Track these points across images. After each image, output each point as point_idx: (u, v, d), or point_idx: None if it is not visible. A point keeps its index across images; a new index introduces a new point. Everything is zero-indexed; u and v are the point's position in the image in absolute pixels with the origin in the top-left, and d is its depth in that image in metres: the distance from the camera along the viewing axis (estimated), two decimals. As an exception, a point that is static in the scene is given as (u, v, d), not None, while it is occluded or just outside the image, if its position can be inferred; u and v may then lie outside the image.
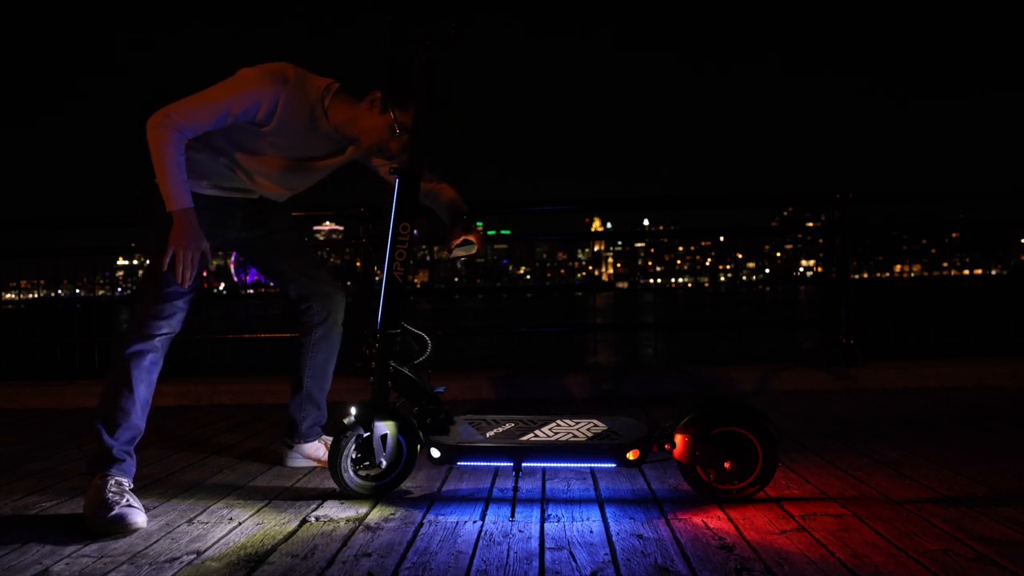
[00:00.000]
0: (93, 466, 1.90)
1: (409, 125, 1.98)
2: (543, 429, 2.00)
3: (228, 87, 1.92)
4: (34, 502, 2.03)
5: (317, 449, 2.35)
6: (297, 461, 2.36)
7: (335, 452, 1.95)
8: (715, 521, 1.73)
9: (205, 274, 2.05)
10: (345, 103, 2.03)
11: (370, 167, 2.28)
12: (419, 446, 2.00)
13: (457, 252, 2.14)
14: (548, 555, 1.53)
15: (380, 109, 1.99)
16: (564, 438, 1.92)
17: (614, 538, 1.63)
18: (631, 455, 1.87)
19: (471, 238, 2.13)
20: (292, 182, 2.18)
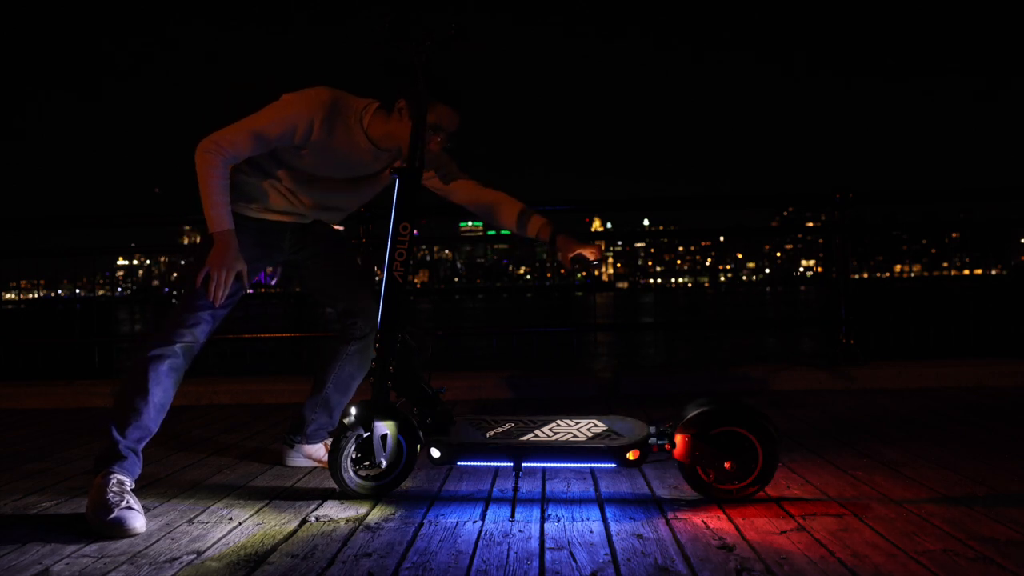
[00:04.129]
0: (98, 463, 1.91)
1: (438, 124, 2.02)
2: (543, 429, 2.00)
3: (267, 112, 1.98)
4: (34, 502, 2.03)
5: (318, 450, 2.35)
6: (297, 460, 2.37)
7: (335, 452, 1.95)
8: (715, 521, 1.73)
9: (239, 294, 2.08)
10: (381, 119, 2.07)
11: (435, 191, 2.28)
12: (419, 446, 2.00)
13: (575, 265, 2.08)
14: (548, 555, 1.53)
15: (408, 116, 2.01)
16: (564, 438, 1.92)
17: (614, 538, 1.63)
18: (631, 455, 1.87)
19: (586, 252, 2.07)
20: (340, 202, 2.22)
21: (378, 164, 2.17)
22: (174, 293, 2.24)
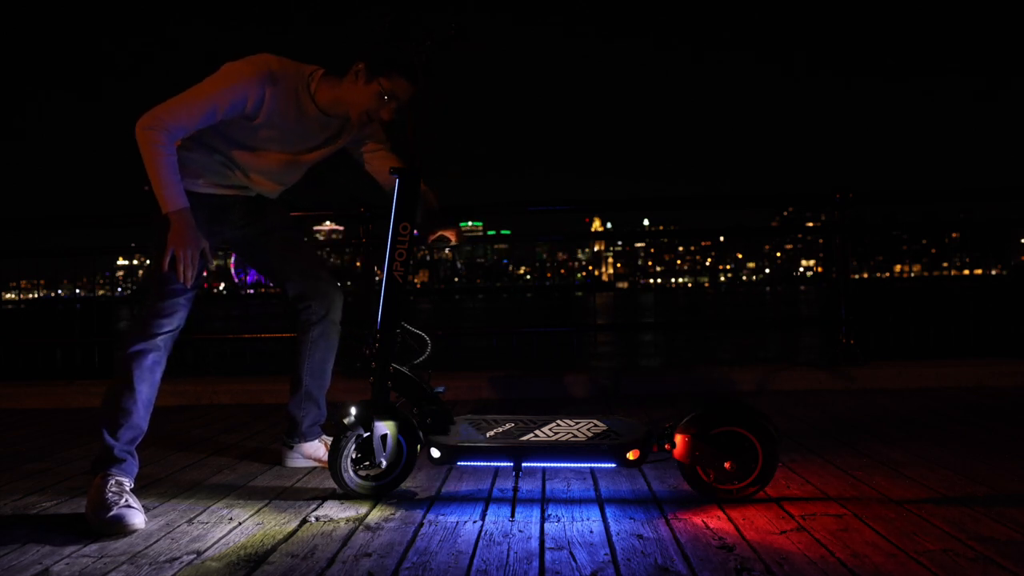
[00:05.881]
0: (95, 466, 1.91)
1: (393, 92, 2.00)
2: (543, 429, 2.00)
3: (213, 83, 1.93)
4: (34, 502, 2.03)
5: (317, 449, 2.35)
6: (297, 461, 2.36)
7: (335, 452, 1.95)
8: (715, 521, 1.73)
9: (205, 273, 2.06)
10: (330, 83, 2.05)
11: (357, 159, 2.28)
12: (419, 446, 2.00)
13: (435, 244, 2.24)
14: (548, 555, 1.53)
15: (365, 79, 2.01)
16: (564, 438, 1.92)
17: (614, 538, 1.63)
18: (631, 455, 1.87)
19: (447, 234, 2.23)
20: (285, 176, 2.19)
21: (324, 134, 2.14)
22: (150, 285, 2.20)
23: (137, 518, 1.74)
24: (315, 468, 2.34)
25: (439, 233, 2.23)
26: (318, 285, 2.27)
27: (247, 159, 2.08)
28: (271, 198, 2.27)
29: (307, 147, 2.14)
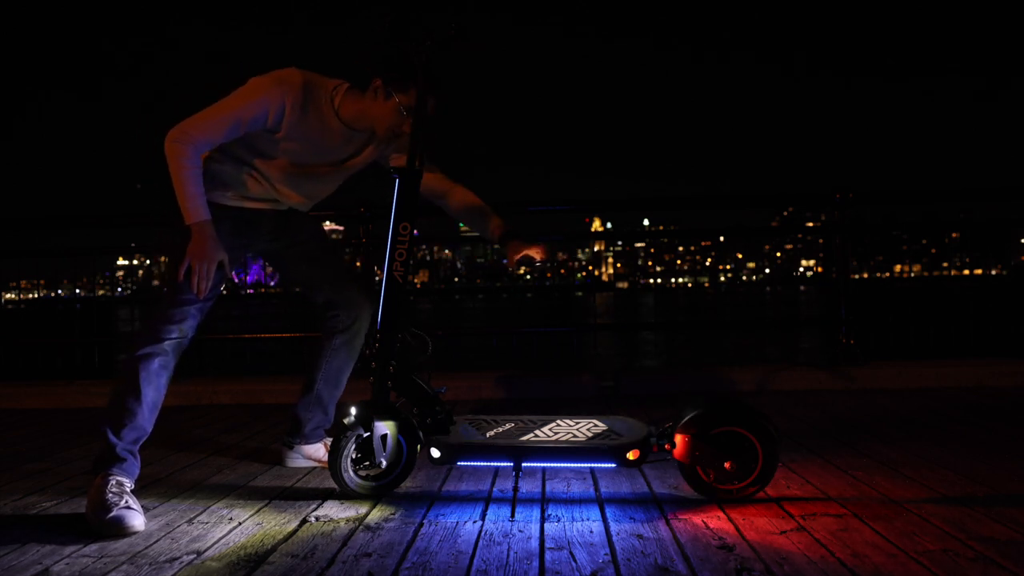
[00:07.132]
0: (96, 465, 1.91)
1: (411, 106, 2.00)
2: (543, 429, 2.00)
3: (238, 97, 1.95)
4: (34, 502, 2.03)
5: (318, 450, 2.35)
6: (297, 461, 2.37)
7: (335, 452, 1.95)
8: (715, 521, 1.73)
9: (223, 286, 2.07)
10: (353, 98, 2.06)
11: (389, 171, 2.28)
12: (419, 446, 2.00)
13: (521, 265, 2.17)
14: (548, 555, 1.53)
15: (384, 96, 2.01)
16: (564, 438, 1.92)
17: (614, 538, 1.63)
18: (631, 455, 1.87)
19: (532, 253, 2.13)
20: (313, 189, 2.19)
21: (350, 148, 2.14)
22: (164, 290, 2.21)
23: (137, 520, 1.74)
24: (315, 468, 2.34)
25: (523, 252, 2.13)
26: (349, 295, 2.27)
27: (273, 172, 2.10)
28: (303, 211, 2.28)
29: (332, 160, 2.15)
